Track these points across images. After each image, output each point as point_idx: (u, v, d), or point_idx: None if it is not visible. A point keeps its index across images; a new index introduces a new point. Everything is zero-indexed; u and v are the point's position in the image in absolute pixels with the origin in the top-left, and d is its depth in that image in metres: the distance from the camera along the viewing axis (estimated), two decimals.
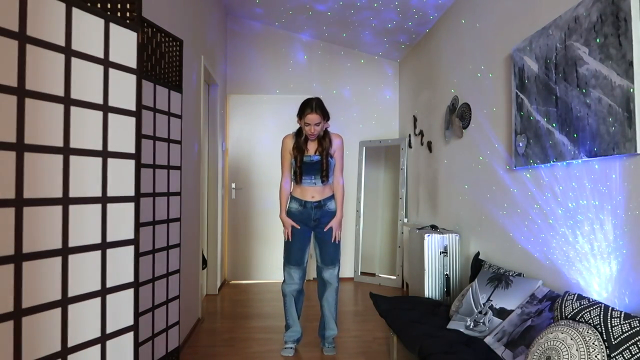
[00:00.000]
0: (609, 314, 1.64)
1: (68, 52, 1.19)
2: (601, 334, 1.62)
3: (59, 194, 1.17)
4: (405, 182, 5.09)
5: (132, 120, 1.40)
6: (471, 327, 2.38)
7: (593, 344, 1.59)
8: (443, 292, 3.39)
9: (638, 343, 1.52)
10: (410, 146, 5.02)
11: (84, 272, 1.24)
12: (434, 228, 3.72)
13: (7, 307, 1.03)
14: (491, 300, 2.39)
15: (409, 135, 5.05)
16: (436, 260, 3.41)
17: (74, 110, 1.21)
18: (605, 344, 1.59)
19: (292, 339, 3.07)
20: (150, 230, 2.18)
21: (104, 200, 1.31)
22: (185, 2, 3.21)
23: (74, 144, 1.21)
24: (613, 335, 1.58)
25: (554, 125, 2.21)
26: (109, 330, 1.32)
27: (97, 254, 1.28)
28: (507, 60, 2.78)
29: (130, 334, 1.40)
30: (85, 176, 1.25)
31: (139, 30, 1.42)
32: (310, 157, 2.98)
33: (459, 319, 2.48)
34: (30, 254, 1.08)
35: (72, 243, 1.20)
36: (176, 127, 2.47)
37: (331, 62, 5.51)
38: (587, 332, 1.63)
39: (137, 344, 1.43)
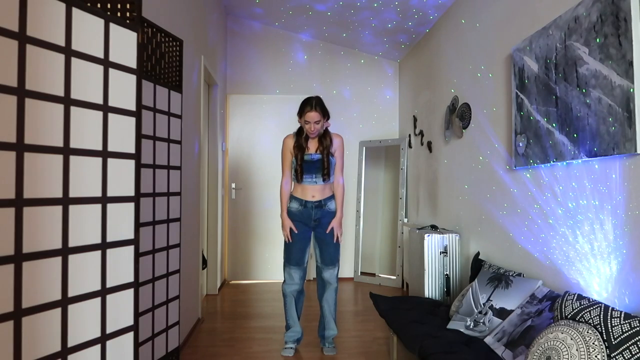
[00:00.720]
0: (609, 314, 1.64)
1: (68, 52, 1.19)
2: (601, 334, 1.62)
3: (59, 194, 1.17)
4: (405, 182, 5.09)
5: (132, 120, 1.40)
6: (471, 327, 2.38)
7: (593, 343, 1.59)
8: (443, 292, 3.39)
9: (638, 343, 1.52)
10: (410, 146, 5.02)
11: (84, 272, 1.24)
12: (434, 228, 3.72)
13: (7, 307, 1.03)
14: (491, 300, 2.39)
15: (409, 135, 5.05)
16: (436, 260, 3.41)
17: (74, 110, 1.21)
18: (605, 344, 1.59)
19: (293, 339, 3.07)
20: (150, 230, 2.18)
21: (104, 200, 1.30)
22: (185, 2, 3.21)
23: (74, 144, 1.21)
24: (613, 335, 1.58)
25: (554, 125, 2.21)
26: (109, 330, 1.32)
27: (97, 254, 1.28)
28: (507, 60, 2.78)
29: (130, 334, 1.40)
30: (85, 176, 1.25)
31: (139, 30, 1.42)
32: (310, 155, 2.99)
33: (459, 319, 2.48)
34: (30, 254, 1.08)
35: (72, 243, 1.20)
36: (176, 127, 2.47)
37: (331, 62, 5.51)
38: (587, 332, 1.63)
39: (137, 344, 1.43)
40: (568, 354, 1.62)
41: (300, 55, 5.49)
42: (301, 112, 2.93)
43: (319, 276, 3.09)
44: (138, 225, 1.43)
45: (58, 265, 1.16)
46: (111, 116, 1.33)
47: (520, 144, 2.52)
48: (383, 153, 5.51)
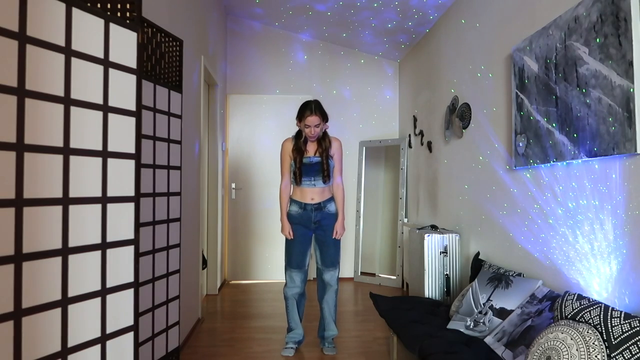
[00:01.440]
0: (609, 313, 1.64)
1: (68, 52, 1.19)
2: (601, 333, 1.61)
3: (59, 194, 1.17)
4: (405, 182, 5.09)
5: (132, 120, 1.40)
6: (471, 327, 2.38)
7: (593, 343, 1.59)
8: (443, 292, 3.39)
9: (638, 343, 1.52)
10: (410, 146, 5.02)
11: (84, 272, 1.24)
12: (434, 228, 3.72)
13: (7, 307, 1.03)
14: (491, 300, 2.39)
15: (409, 135, 5.05)
16: (436, 260, 3.41)
17: (74, 110, 1.21)
18: (605, 344, 1.59)
19: (294, 340, 3.07)
20: (150, 230, 2.18)
21: (104, 200, 1.30)
22: (185, 2, 3.21)
23: (74, 144, 1.20)
24: (613, 335, 1.58)
25: (554, 125, 2.21)
26: (109, 331, 1.32)
27: (97, 254, 1.28)
28: (507, 60, 2.78)
29: (130, 334, 1.40)
30: (85, 176, 1.25)
31: (139, 30, 1.42)
32: (309, 158, 3.00)
33: (459, 319, 2.48)
34: (30, 254, 1.08)
35: (72, 243, 1.20)
36: (176, 127, 2.47)
37: (331, 62, 5.51)
38: (587, 332, 1.63)
39: (137, 344, 1.43)
40: (568, 354, 1.62)
41: (300, 55, 5.49)
42: (301, 116, 2.94)
43: (319, 278, 3.09)
44: (138, 225, 1.43)
45: (58, 266, 1.16)
46: (111, 116, 1.33)
47: (520, 144, 2.52)
48: (383, 153, 5.51)
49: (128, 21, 1.43)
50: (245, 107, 5.33)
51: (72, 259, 1.20)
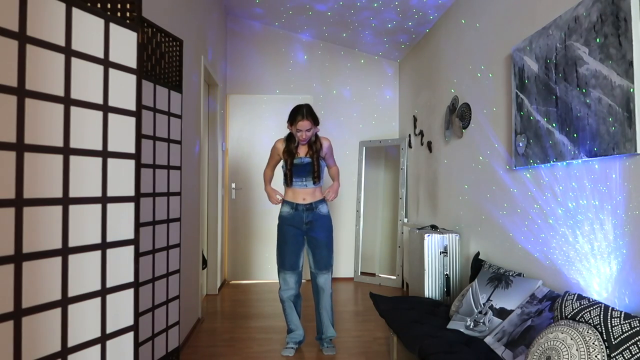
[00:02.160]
0: (609, 314, 1.64)
1: (68, 52, 1.18)
2: (601, 333, 1.61)
3: (59, 194, 1.17)
4: (405, 182, 5.09)
5: (132, 120, 1.40)
6: (471, 327, 2.38)
7: (593, 343, 1.59)
8: (443, 292, 3.39)
9: (638, 343, 1.52)
10: (410, 146, 5.02)
11: (84, 272, 1.24)
12: (434, 228, 3.72)
13: (7, 307, 1.03)
14: (491, 300, 2.39)
15: (409, 135, 5.05)
16: (436, 260, 3.41)
17: (74, 110, 1.21)
18: (605, 344, 1.59)
19: (295, 340, 3.08)
20: (150, 230, 2.18)
21: (104, 200, 1.30)
22: (185, 2, 3.21)
23: (74, 144, 1.20)
24: (613, 335, 1.58)
25: (554, 125, 2.21)
26: (109, 330, 1.32)
27: (97, 254, 1.28)
28: (507, 60, 2.78)
29: (130, 334, 1.40)
30: (85, 176, 1.25)
31: (139, 30, 1.42)
32: (300, 159, 3.03)
33: (459, 319, 2.48)
34: (30, 254, 1.08)
35: (72, 243, 1.20)
36: (176, 127, 2.47)
37: (331, 62, 5.51)
38: (587, 332, 1.63)
39: (137, 344, 1.43)
40: (568, 354, 1.62)
41: (300, 55, 5.49)
42: (292, 120, 2.95)
43: (313, 281, 3.09)
44: (138, 225, 1.43)
45: (58, 265, 1.16)
46: (111, 116, 1.33)
47: (520, 144, 2.52)
48: (383, 153, 5.51)
49: (128, 21, 1.43)
50: (245, 107, 5.33)
51: (72, 258, 1.20)
